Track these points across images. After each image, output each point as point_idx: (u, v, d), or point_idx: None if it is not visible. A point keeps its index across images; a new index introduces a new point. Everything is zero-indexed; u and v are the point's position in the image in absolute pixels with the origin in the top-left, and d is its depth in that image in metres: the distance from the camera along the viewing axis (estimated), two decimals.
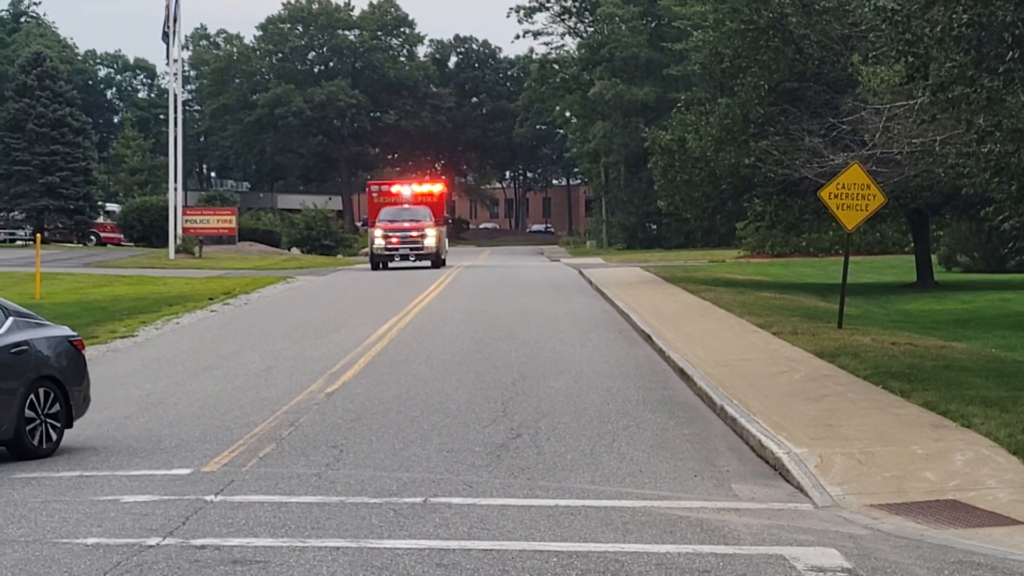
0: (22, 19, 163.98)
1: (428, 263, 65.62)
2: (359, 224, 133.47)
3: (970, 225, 52.83)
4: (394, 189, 75.12)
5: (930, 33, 20.72)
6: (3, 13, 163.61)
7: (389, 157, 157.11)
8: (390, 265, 66.73)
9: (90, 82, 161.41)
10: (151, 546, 11.45)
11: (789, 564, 10.88)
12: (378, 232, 66.84)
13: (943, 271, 60.78)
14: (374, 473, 15.18)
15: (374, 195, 74.74)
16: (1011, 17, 19.41)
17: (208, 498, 13.61)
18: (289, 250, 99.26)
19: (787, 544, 11.65)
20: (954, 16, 19.92)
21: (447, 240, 75.38)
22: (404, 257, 65.93)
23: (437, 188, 76.79)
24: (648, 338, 30.47)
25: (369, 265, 68.69)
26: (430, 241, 65.81)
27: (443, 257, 69.25)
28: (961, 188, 34.15)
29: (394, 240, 66.04)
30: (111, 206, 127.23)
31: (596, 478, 15.01)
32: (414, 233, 66.08)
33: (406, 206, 70.33)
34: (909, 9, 21.36)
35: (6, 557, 11.14)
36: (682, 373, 24.15)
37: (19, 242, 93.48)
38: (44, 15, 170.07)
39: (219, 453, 16.51)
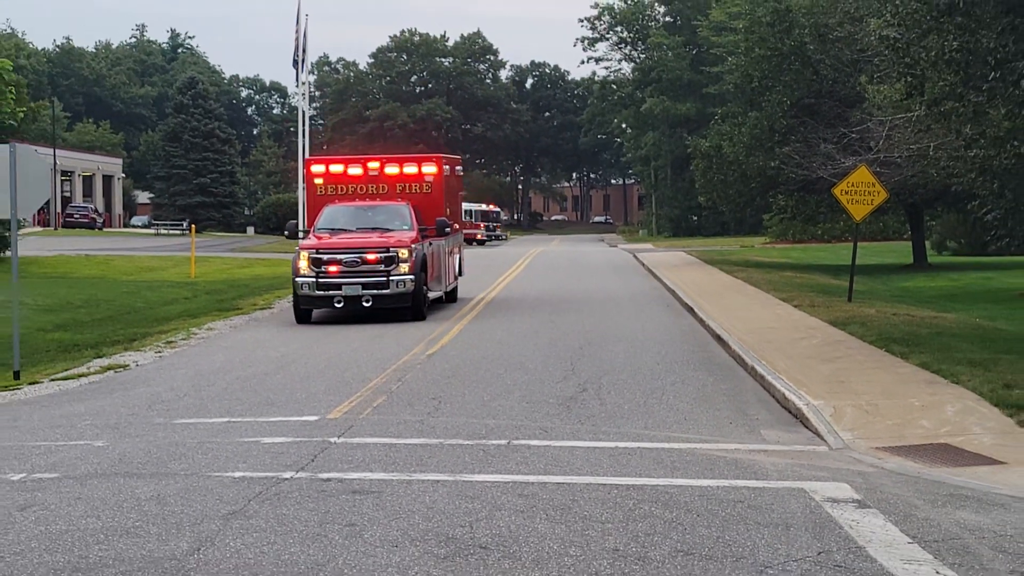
0: (179, 49, 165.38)
1: (406, 306, 28.17)
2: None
3: (958, 216, 52.46)
4: (351, 171, 32.26)
5: (926, 57, 20.56)
6: (164, 45, 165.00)
7: (477, 162, 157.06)
8: (336, 308, 28.25)
9: (234, 101, 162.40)
10: (286, 479, 11.55)
11: (809, 496, 10.84)
12: (304, 255, 28.25)
13: (935, 255, 60.32)
14: (467, 420, 15.21)
15: (316, 182, 32.52)
16: (993, 44, 19.23)
17: (332, 440, 13.70)
18: None
19: (807, 479, 11.61)
20: (946, 43, 19.77)
21: (459, 258, 35.24)
22: (353, 300, 27.89)
23: (429, 169, 32.32)
24: (691, 310, 30.39)
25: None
26: (403, 269, 27.96)
27: (431, 296, 30.06)
28: (951, 186, 33.94)
29: (331, 269, 27.98)
30: (144, 197, 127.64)
31: (649, 425, 14.99)
32: (370, 255, 28.04)
33: (368, 203, 31.04)
34: (908, 37, 21.21)
35: (171, 487, 11.27)
36: (719, 339, 24.07)
37: (177, 231, 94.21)
38: (197, 46, 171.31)
39: (341, 403, 16.59)
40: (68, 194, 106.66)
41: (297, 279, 27.74)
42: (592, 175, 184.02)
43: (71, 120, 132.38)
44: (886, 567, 8.62)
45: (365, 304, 27.45)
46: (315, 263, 27.57)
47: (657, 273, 46.05)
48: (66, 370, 21.02)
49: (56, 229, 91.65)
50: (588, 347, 23.06)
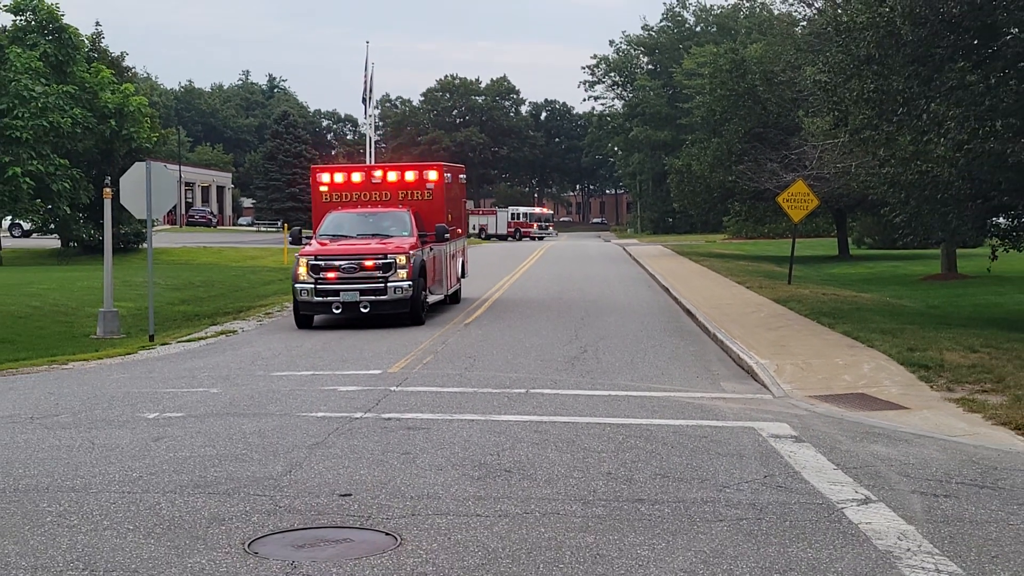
0: (275, 89, 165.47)
1: (404, 312, 21.85)
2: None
3: (873, 219, 52.07)
4: (355, 178, 25.15)
5: (849, 96, 20.47)
6: (264, 86, 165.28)
7: (503, 176, 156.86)
8: (335, 313, 21.87)
9: (317, 129, 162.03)
10: (357, 418, 11.59)
11: (757, 432, 10.84)
12: (303, 261, 21.80)
13: (855, 248, 60.00)
14: (495, 374, 15.23)
15: (322, 189, 25.17)
16: (901, 86, 19.15)
17: (392, 388, 13.73)
18: None
19: (756, 420, 11.60)
20: (865, 86, 19.68)
21: (461, 261, 28.18)
22: (351, 306, 21.60)
23: (431, 176, 25.22)
24: (666, 290, 30.35)
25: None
26: (400, 276, 21.70)
27: (432, 300, 23.85)
28: (868, 195, 33.78)
29: (330, 275, 21.61)
30: (248, 203, 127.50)
31: (634, 378, 14.99)
32: (367, 261, 21.71)
33: (369, 210, 24.23)
34: (835, 81, 21.11)
35: (269, 423, 11.32)
36: (688, 312, 24.02)
37: (273, 229, 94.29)
38: (289, 87, 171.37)
39: (398, 360, 16.63)
40: (190, 200, 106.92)
41: (296, 285, 21.63)
42: (591, 186, 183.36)
43: (192, 143, 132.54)
44: (816, 487, 8.62)
45: (363, 310, 21.54)
46: (314, 269, 21.54)
47: (641, 261, 45.99)
48: (189, 334, 21.12)
49: (180, 227, 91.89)
50: (587, 318, 23.05)
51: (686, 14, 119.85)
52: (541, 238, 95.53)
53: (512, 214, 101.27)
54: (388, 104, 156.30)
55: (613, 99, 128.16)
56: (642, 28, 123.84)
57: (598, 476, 8.98)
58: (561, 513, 7.87)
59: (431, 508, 8.01)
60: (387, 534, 7.39)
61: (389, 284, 21.57)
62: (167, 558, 6.89)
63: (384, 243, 22.32)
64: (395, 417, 11.62)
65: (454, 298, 26.83)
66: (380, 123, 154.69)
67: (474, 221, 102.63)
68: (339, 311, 21.61)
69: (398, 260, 21.65)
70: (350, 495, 8.37)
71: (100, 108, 44.09)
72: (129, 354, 18.35)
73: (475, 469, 9.22)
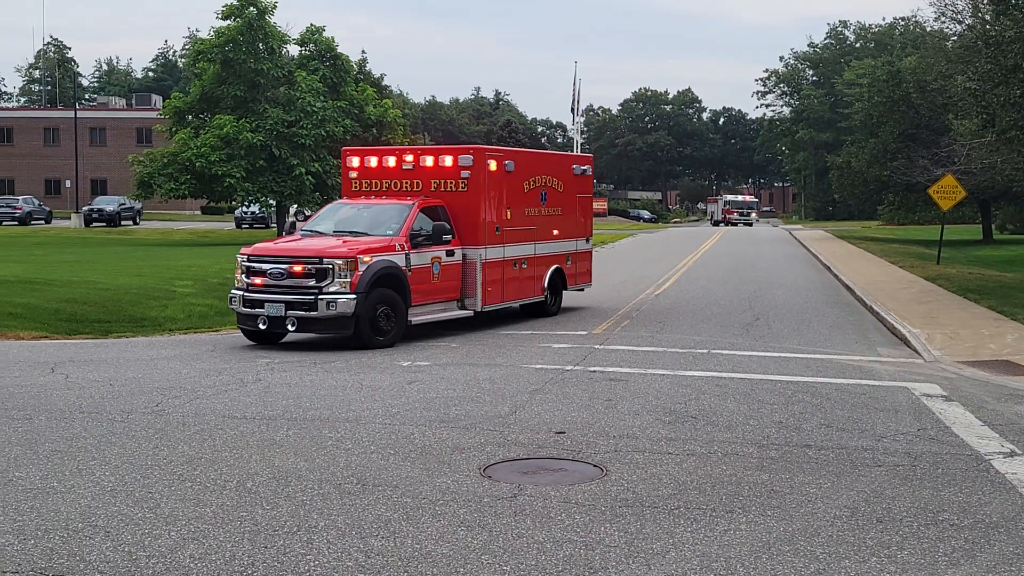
0: (500, 102, 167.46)
1: (345, 333, 13.30)
2: (669, 208, 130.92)
3: (1015, 208, 48.85)
4: (386, 163, 15.90)
5: (996, 102, 19.22)
6: (491, 99, 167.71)
7: (687, 172, 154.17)
8: (261, 329, 13.59)
9: (533, 134, 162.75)
10: (568, 370, 11.65)
11: (911, 392, 10.34)
12: (239, 259, 13.83)
13: (998, 234, 56.29)
14: (681, 336, 15.03)
15: (351, 176, 16.20)
16: None
17: (596, 346, 13.73)
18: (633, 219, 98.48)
19: (910, 381, 11.07)
20: (1011, 92, 18.43)
21: (555, 268, 17.54)
22: (274, 321, 13.24)
23: (466, 162, 15.12)
24: (827, 268, 29.27)
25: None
26: (340, 284, 13.09)
27: (440, 317, 15.08)
28: (1012, 187, 31.66)
29: (257, 281, 13.43)
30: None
31: (801, 343, 14.52)
32: (297, 266, 13.21)
33: (367, 202, 15.36)
34: (984, 88, 19.84)
35: (498, 372, 11.50)
36: (847, 288, 23.11)
37: None
38: (511, 99, 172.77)
39: (600, 324, 16.61)
40: None
41: (233, 290, 14.19)
42: (762, 180, 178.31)
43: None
44: (965, 440, 8.16)
45: (290, 328, 13.51)
46: (247, 272, 13.84)
47: (804, 243, 44.48)
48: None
49: None
50: (759, 291, 22.47)
51: (847, 32, 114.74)
52: (749, 224, 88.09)
53: (724, 202, 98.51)
54: (591, 112, 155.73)
55: (782, 106, 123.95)
56: (808, 46, 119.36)
57: (771, 424, 8.75)
58: (739, 454, 7.71)
59: (630, 446, 7.98)
60: (595, 466, 7.41)
61: (321, 297, 13.34)
62: (420, 477, 7.11)
63: (342, 243, 14.01)
64: (599, 370, 11.62)
65: (538, 309, 17.68)
66: (585, 128, 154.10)
67: (710, 208, 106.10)
68: (264, 327, 13.68)
69: (335, 266, 13.35)
70: (564, 433, 8.43)
71: (365, 119, 45.67)
72: None
73: (666, 415, 9.13)
